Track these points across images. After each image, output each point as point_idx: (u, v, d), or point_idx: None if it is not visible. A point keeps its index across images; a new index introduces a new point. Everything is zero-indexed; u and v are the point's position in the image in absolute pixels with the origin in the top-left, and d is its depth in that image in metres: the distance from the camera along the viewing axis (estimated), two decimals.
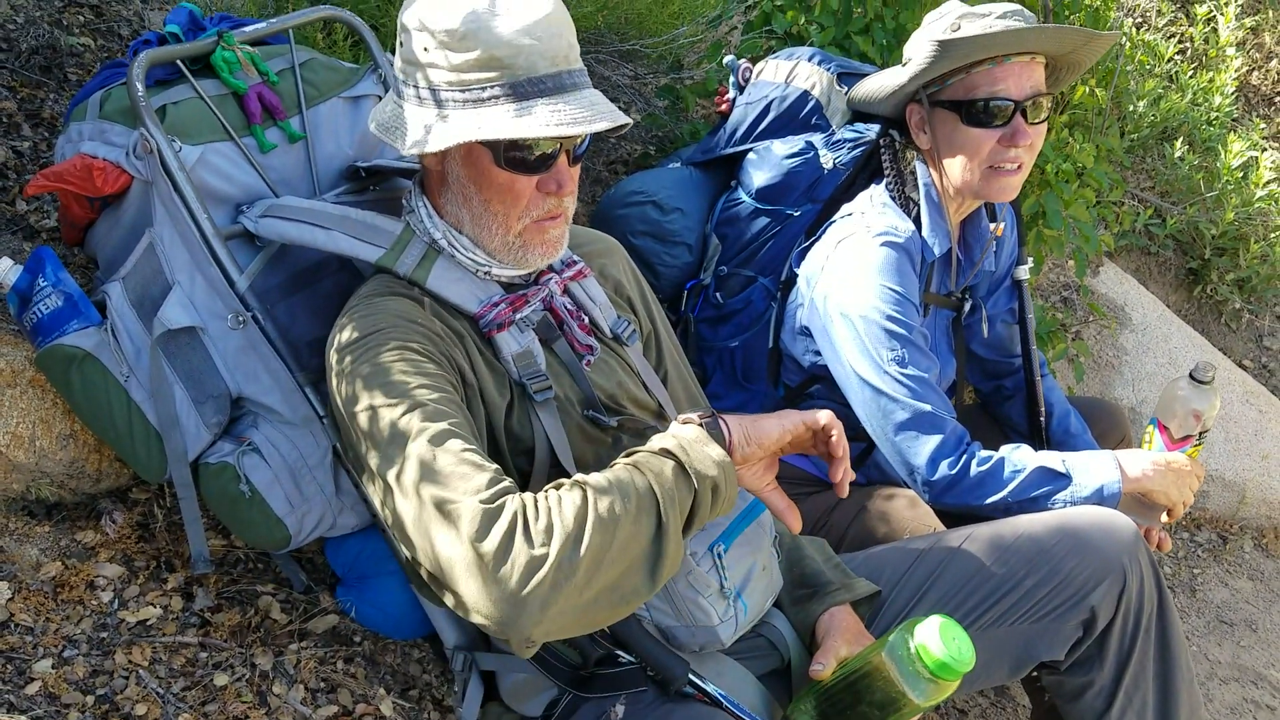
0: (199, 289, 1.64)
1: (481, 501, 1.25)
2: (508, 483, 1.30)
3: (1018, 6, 1.99)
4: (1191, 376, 1.97)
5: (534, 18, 1.39)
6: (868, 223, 2.07)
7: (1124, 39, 3.80)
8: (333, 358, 1.45)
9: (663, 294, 2.44)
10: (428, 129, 1.43)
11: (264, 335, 1.63)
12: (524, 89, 1.39)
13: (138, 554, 1.80)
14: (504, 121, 1.39)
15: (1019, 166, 2.03)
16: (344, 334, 1.45)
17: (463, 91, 1.40)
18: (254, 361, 1.65)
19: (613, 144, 3.22)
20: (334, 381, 1.43)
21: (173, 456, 1.64)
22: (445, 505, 1.26)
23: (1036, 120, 2.02)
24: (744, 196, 2.32)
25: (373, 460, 1.35)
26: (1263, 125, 4.76)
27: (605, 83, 2.71)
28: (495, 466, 1.31)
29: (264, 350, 1.64)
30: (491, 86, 1.39)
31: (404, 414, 1.33)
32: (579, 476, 1.34)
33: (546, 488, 1.32)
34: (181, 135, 1.64)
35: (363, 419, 1.36)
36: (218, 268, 1.62)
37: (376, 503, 1.39)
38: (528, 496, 1.28)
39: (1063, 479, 1.91)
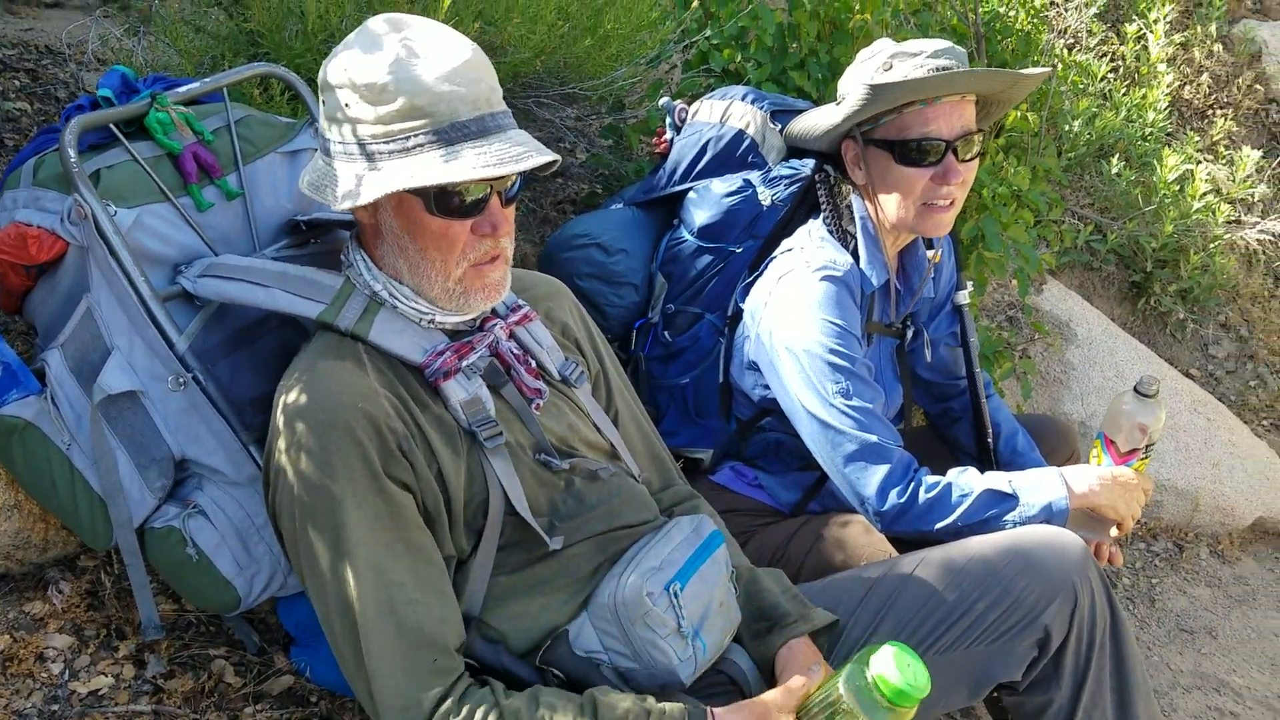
0: (138, 352, 1.63)
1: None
2: (441, 691, 1.42)
3: (949, 45, 2.04)
4: (1136, 390, 2.00)
5: (454, 64, 1.41)
6: (807, 258, 2.10)
7: (1056, 63, 3.89)
8: (276, 454, 1.47)
9: (612, 334, 2.45)
10: (357, 182, 1.44)
11: (205, 396, 1.62)
12: (449, 134, 1.41)
13: (87, 623, 1.78)
14: (431, 168, 1.40)
15: (951, 202, 2.08)
16: (285, 435, 1.46)
17: (388, 142, 1.42)
18: (196, 423, 1.64)
19: (560, 184, 3.25)
20: (276, 490, 1.48)
21: (118, 523, 1.63)
22: (376, 683, 1.41)
23: (968, 157, 2.07)
24: (687, 235, 2.34)
25: (316, 589, 1.46)
26: (1197, 138, 4.89)
27: (548, 125, 2.73)
28: (437, 653, 1.43)
29: (206, 411, 1.63)
30: (416, 135, 1.41)
31: (352, 573, 1.42)
32: (517, 709, 1.42)
33: (481, 703, 1.43)
34: (116, 199, 1.64)
35: (308, 561, 1.45)
36: (156, 330, 1.61)
37: (311, 598, 1.47)
38: None
39: (1010, 499, 1.93)
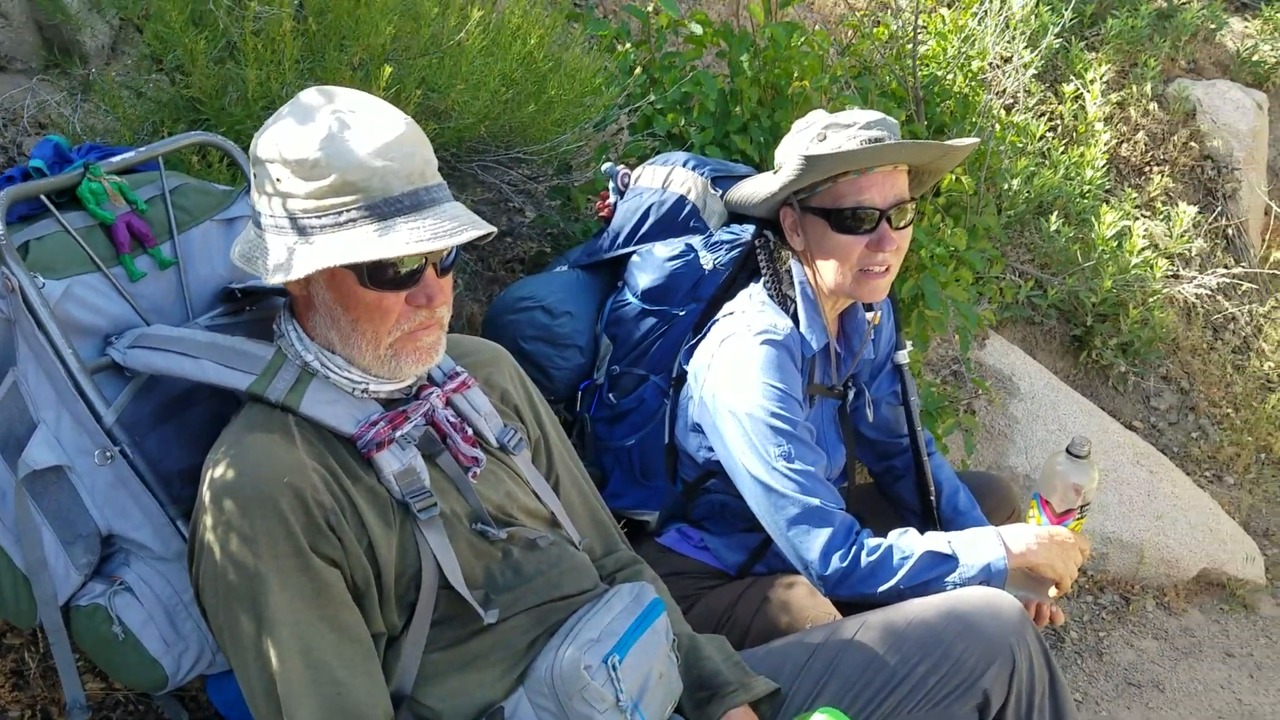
0: (65, 426, 1.59)
1: None
2: None
3: (881, 116, 2.10)
4: (1068, 451, 2.03)
5: (386, 139, 1.41)
6: (748, 321, 2.12)
7: (994, 124, 3.98)
8: (202, 530, 1.45)
9: (557, 395, 2.45)
10: (288, 255, 1.43)
11: (133, 469, 1.59)
12: (382, 209, 1.41)
13: (12, 703, 1.72)
14: (365, 243, 1.40)
15: (887, 269, 2.13)
16: (211, 510, 1.44)
17: (320, 216, 1.41)
18: (124, 497, 1.60)
19: (508, 243, 3.25)
20: (201, 566, 1.46)
21: (42, 601, 1.58)
22: None
23: (901, 225, 2.12)
24: (631, 297, 2.36)
25: (240, 668, 1.44)
26: (1134, 195, 5.02)
27: (493, 187, 2.75)
28: None
29: (134, 485, 1.60)
30: (349, 210, 1.40)
31: (276, 653, 1.40)
32: None
33: None
34: (45, 270, 1.61)
35: (233, 640, 1.43)
36: (84, 403, 1.58)
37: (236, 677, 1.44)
38: None
39: (950, 560, 1.94)
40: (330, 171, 1.39)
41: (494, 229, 1.48)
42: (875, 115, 2.09)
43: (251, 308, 1.81)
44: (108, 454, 1.59)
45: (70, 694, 1.62)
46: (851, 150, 2.03)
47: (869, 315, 2.31)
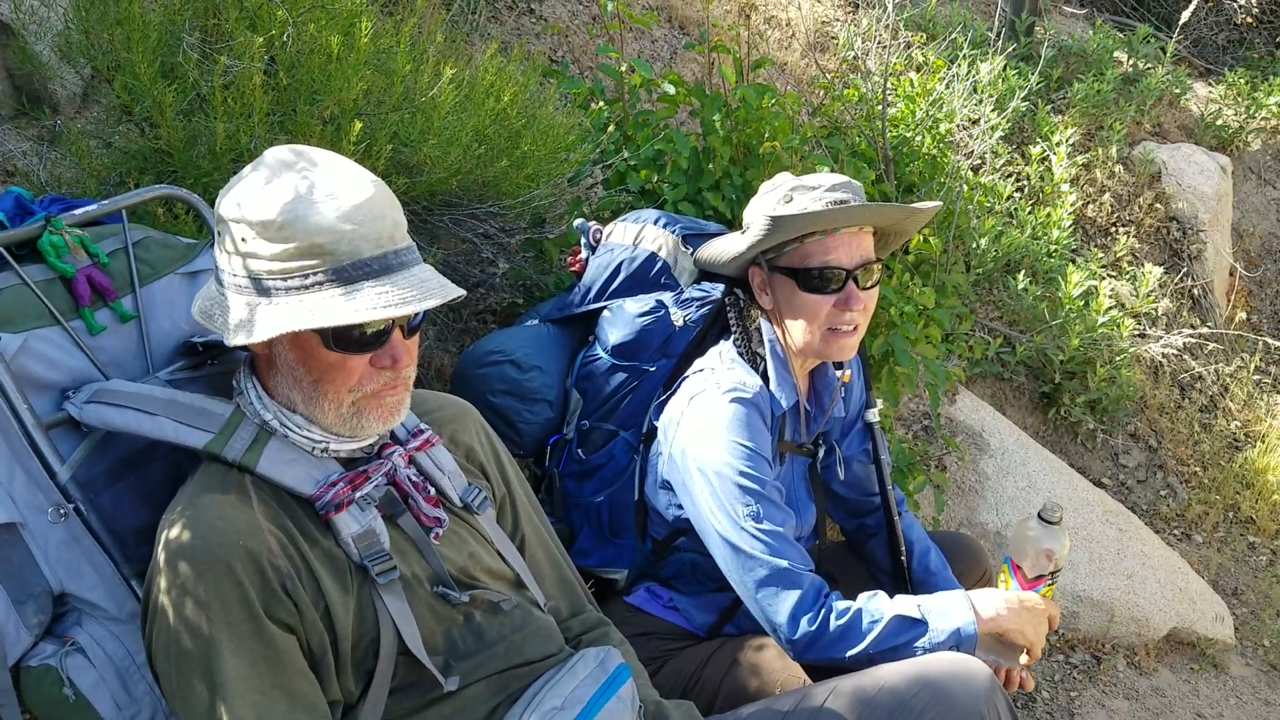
0: (18, 482, 1.55)
1: None
2: None
3: (845, 179, 2.13)
4: (1040, 517, 2.03)
5: (354, 202, 1.40)
6: (718, 379, 2.12)
7: (962, 184, 4.04)
8: (155, 592, 1.41)
9: (525, 450, 2.42)
10: (251, 317, 1.41)
11: (87, 527, 1.55)
12: (349, 273, 1.39)
13: None
14: (330, 308, 1.38)
15: (855, 328, 2.14)
16: (166, 573, 1.40)
17: (285, 279, 1.40)
18: (77, 555, 1.56)
19: (480, 294, 3.24)
20: (154, 630, 1.42)
21: None
22: None
23: (868, 285, 2.13)
24: (601, 352, 2.35)
25: None
26: (1100, 255, 5.09)
27: (466, 242, 2.74)
28: None
29: (87, 543, 1.56)
30: (315, 273, 1.39)
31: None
32: None
33: None
34: (2, 324, 1.58)
35: (183, 706, 1.39)
36: (38, 459, 1.54)
37: None
38: None
39: (919, 625, 1.92)
40: (296, 235, 1.38)
41: (462, 293, 1.47)
42: (840, 178, 2.12)
43: (213, 361, 1.78)
44: (61, 511, 1.55)
45: None
46: (817, 211, 2.05)
47: (839, 373, 2.31)
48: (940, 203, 2.25)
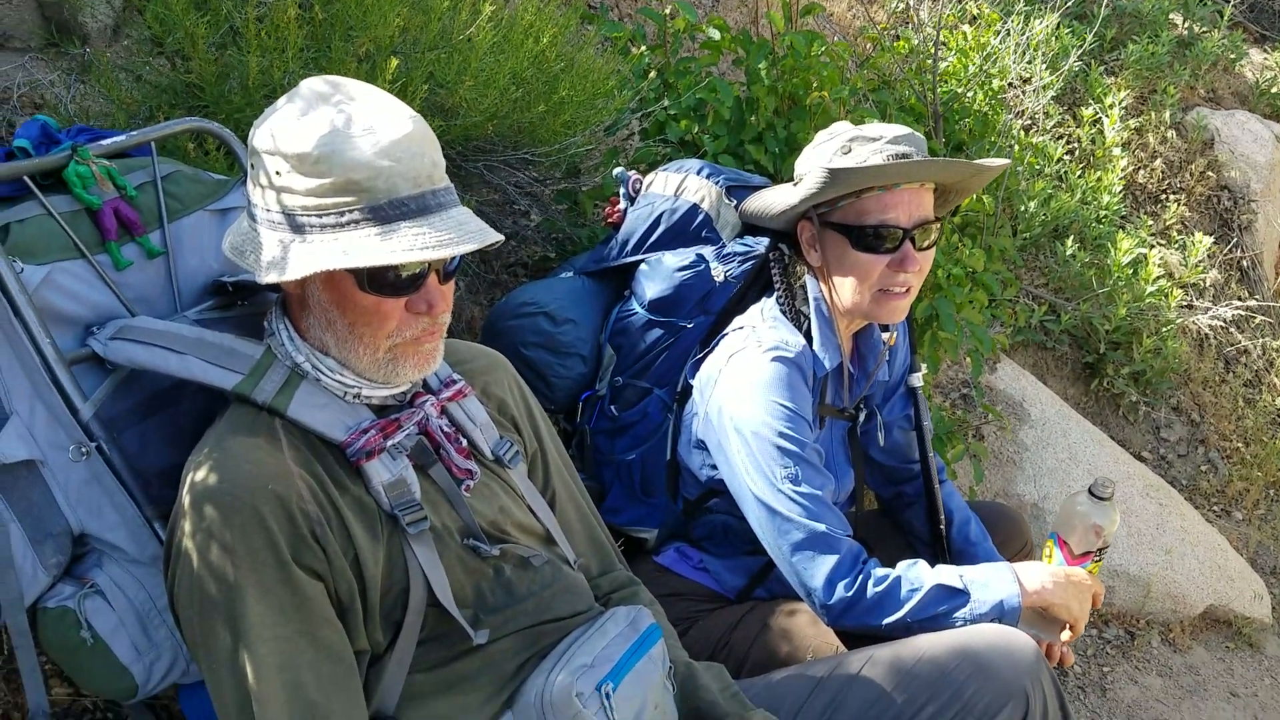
0: (39, 418, 1.51)
1: None
2: None
3: (909, 131, 2.02)
4: (1091, 492, 1.96)
5: (392, 138, 1.33)
6: (758, 337, 2.04)
7: (1013, 144, 3.92)
8: (179, 536, 1.37)
9: (557, 406, 2.37)
10: (284, 255, 1.36)
11: (109, 467, 1.51)
12: (385, 212, 1.33)
13: None
14: (365, 247, 1.32)
15: (907, 290, 2.05)
16: (190, 515, 1.36)
17: (320, 216, 1.34)
18: (98, 495, 1.52)
19: (512, 247, 3.18)
20: (176, 574, 1.38)
21: (7, 601, 1.49)
22: None
23: (925, 245, 2.03)
24: (637, 307, 2.28)
25: (213, 682, 1.35)
26: (1150, 223, 4.95)
27: (499, 188, 2.67)
28: None
29: (109, 483, 1.52)
30: (351, 210, 1.33)
31: (252, 668, 1.32)
32: None
33: None
34: (25, 255, 1.54)
35: (206, 652, 1.35)
36: (60, 395, 1.50)
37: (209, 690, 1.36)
38: None
39: (961, 595, 1.86)
40: (332, 170, 1.32)
41: (501, 237, 1.41)
42: (902, 130, 2.01)
43: (243, 302, 1.74)
44: (83, 450, 1.51)
45: (33, 700, 1.53)
46: (879, 165, 1.95)
47: (884, 335, 2.23)
48: (1008, 160, 2.14)
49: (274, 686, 1.33)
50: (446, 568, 1.49)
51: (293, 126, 1.34)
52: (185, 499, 1.37)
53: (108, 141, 1.72)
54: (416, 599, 1.45)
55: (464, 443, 1.58)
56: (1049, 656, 1.97)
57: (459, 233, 1.35)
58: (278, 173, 1.35)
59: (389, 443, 1.47)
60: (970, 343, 3.00)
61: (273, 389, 1.45)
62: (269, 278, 1.37)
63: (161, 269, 1.70)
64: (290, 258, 1.35)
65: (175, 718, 1.77)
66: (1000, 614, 1.85)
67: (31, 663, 1.53)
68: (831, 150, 2.02)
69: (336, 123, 1.33)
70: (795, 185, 2.08)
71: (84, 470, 1.52)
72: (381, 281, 1.38)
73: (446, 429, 1.56)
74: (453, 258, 1.43)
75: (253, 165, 1.40)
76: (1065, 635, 1.95)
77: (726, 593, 2.24)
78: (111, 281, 1.62)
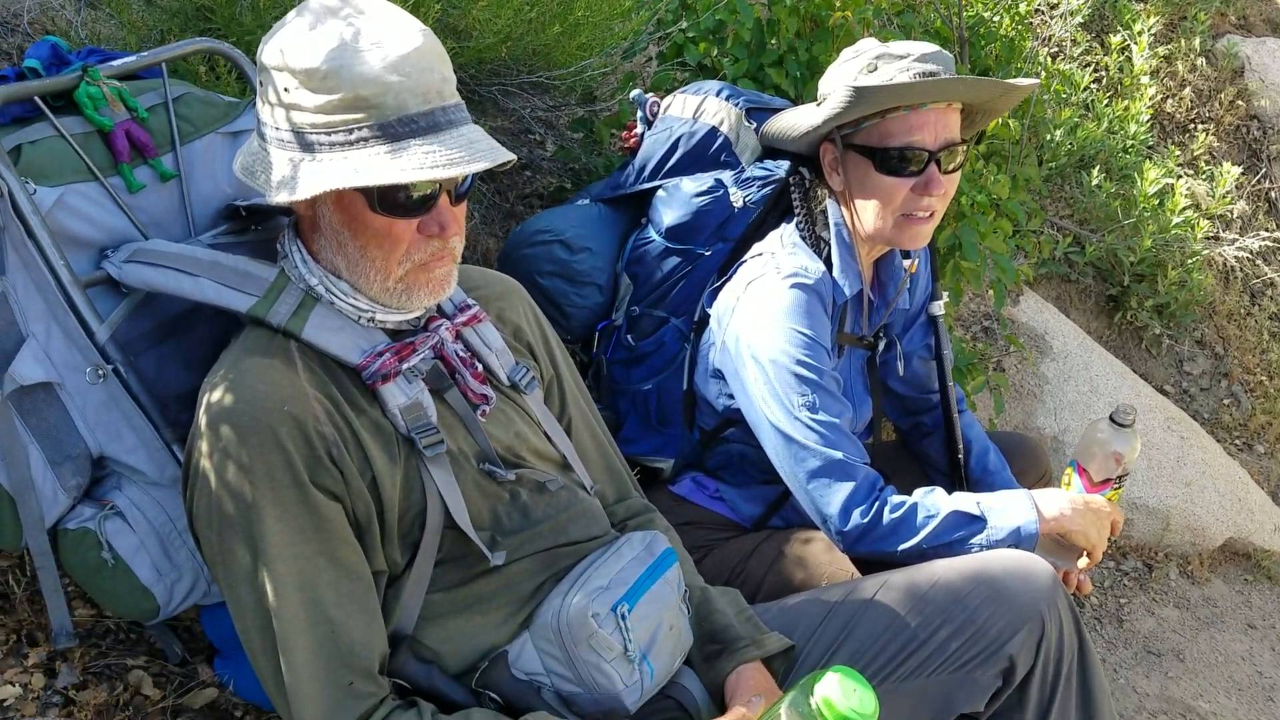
0: (55, 341, 1.52)
1: None
2: (362, 713, 1.35)
3: (936, 49, 1.96)
4: (1112, 419, 1.94)
5: (401, 52, 1.30)
6: (777, 263, 2.02)
7: (1040, 70, 3.83)
8: (197, 457, 1.38)
9: (573, 335, 2.36)
10: (294, 174, 1.34)
11: (127, 389, 1.52)
12: (395, 129, 1.31)
13: None
14: (375, 165, 1.30)
15: (931, 214, 2.00)
16: (207, 437, 1.36)
17: (329, 133, 1.32)
18: (116, 418, 1.53)
19: (527, 177, 3.15)
20: (195, 495, 1.39)
21: (28, 523, 1.51)
22: (295, 703, 1.33)
23: (950, 168, 1.98)
24: (654, 235, 2.25)
25: (233, 601, 1.38)
26: (1178, 153, 4.85)
27: (515, 115, 2.63)
28: (354, 675, 1.36)
29: (127, 406, 1.53)
30: (360, 128, 1.31)
31: (272, 587, 1.34)
32: None
33: None
34: (38, 176, 1.53)
35: (226, 572, 1.37)
36: (75, 317, 1.50)
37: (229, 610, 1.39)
38: None
39: (978, 522, 1.86)
40: (341, 85, 1.29)
41: (514, 157, 1.38)
42: (930, 47, 1.95)
43: (257, 227, 1.72)
44: (100, 372, 1.52)
45: (56, 620, 1.56)
46: (906, 84, 1.89)
47: (905, 263, 2.20)
48: (1037, 80, 2.07)
49: (294, 605, 1.34)
50: (463, 491, 1.49)
51: (301, 41, 1.31)
52: (202, 420, 1.38)
53: (118, 62, 1.71)
54: (433, 520, 1.46)
55: (479, 368, 1.58)
56: (1066, 584, 1.96)
57: (470, 151, 1.33)
58: (286, 89, 1.32)
59: (404, 366, 1.47)
60: (993, 273, 2.96)
61: (287, 311, 1.45)
62: (279, 197, 1.36)
63: (174, 192, 1.69)
64: (300, 177, 1.34)
65: (196, 639, 1.80)
66: (1017, 540, 1.84)
67: (54, 583, 1.55)
68: (857, 68, 1.97)
69: (345, 36, 1.30)
70: (819, 105, 2.03)
71: (101, 393, 1.53)
72: (392, 202, 1.36)
73: (462, 354, 1.56)
74: (465, 178, 1.41)
75: (261, 82, 1.37)
76: (1083, 563, 1.94)
77: (742, 521, 2.24)
78: (124, 205, 1.62)
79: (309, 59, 1.30)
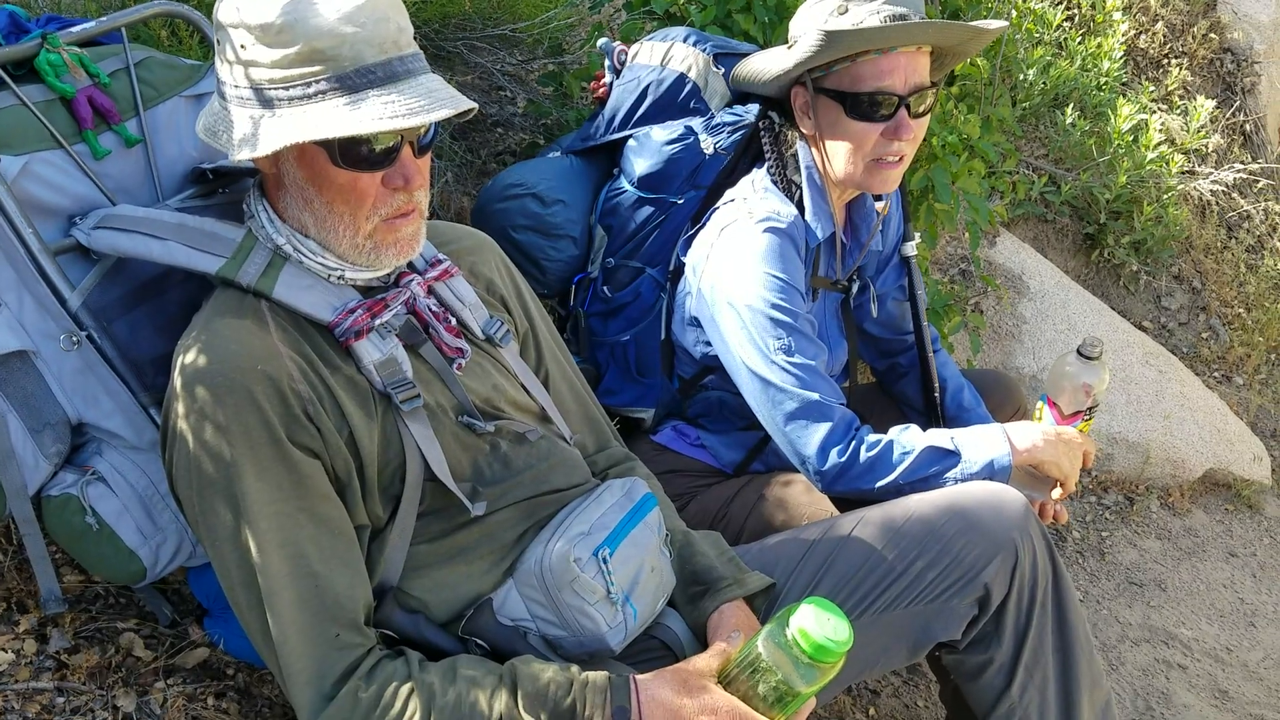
0: (28, 309, 1.52)
1: (322, 695, 1.34)
2: (349, 663, 1.36)
3: None
4: (1079, 352, 1.96)
5: (356, 3, 1.30)
6: (750, 208, 2.03)
7: (1011, 10, 3.81)
8: (173, 419, 1.39)
9: (550, 289, 2.37)
10: (255, 131, 1.34)
11: (101, 355, 1.53)
12: (352, 80, 1.31)
13: None
14: (334, 118, 1.30)
15: (901, 158, 2.01)
16: (183, 398, 1.37)
17: (287, 88, 1.32)
18: (93, 384, 1.54)
19: (499, 134, 3.14)
20: (174, 457, 1.40)
21: (11, 491, 1.53)
22: (283, 657, 1.35)
23: (920, 111, 1.99)
24: (626, 185, 2.25)
25: (218, 560, 1.39)
26: (1151, 88, 4.85)
27: (483, 70, 2.62)
28: (340, 627, 1.37)
29: (102, 371, 1.53)
30: (317, 81, 1.31)
31: (255, 544, 1.36)
32: (431, 682, 1.37)
33: (392, 678, 1.37)
34: (1, 146, 1.52)
35: (208, 532, 1.38)
36: (46, 285, 1.51)
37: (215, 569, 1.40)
38: (367, 697, 1.33)
39: (952, 456, 1.88)
40: (296, 39, 1.29)
41: (474, 105, 1.38)
42: None
43: (224, 190, 1.72)
44: (74, 338, 1.52)
45: (45, 586, 1.58)
46: (877, 28, 1.89)
47: (878, 205, 2.21)
48: (1006, 23, 2.07)
49: (277, 560, 1.36)
50: (443, 444, 1.51)
51: None
52: (177, 381, 1.39)
53: (77, 29, 1.70)
54: (413, 473, 1.47)
55: (453, 322, 1.59)
56: (1042, 515, 2.00)
57: (430, 100, 1.33)
58: (243, 46, 1.32)
59: (376, 322, 1.48)
60: (968, 214, 2.97)
61: (256, 271, 1.45)
62: (241, 155, 1.36)
63: (140, 158, 1.69)
64: (261, 133, 1.34)
65: (185, 600, 1.82)
66: (991, 473, 1.87)
67: (40, 550, 1.57)
68: (827, 10, 1.96)
69: None
70: (789, 48, 2.03)
71: (77, 360, 1.53)
72: (354, 155, 1.36)
73: (435, 309, 1.56)
74: (427, 129, 1.41)
75: (219, 40, 1.37)
76: (1056, 493, 1.97)
77: (724, 468, 2.26)
78: (91, 171, 1.61)
79: (264, 14, 1.30)
